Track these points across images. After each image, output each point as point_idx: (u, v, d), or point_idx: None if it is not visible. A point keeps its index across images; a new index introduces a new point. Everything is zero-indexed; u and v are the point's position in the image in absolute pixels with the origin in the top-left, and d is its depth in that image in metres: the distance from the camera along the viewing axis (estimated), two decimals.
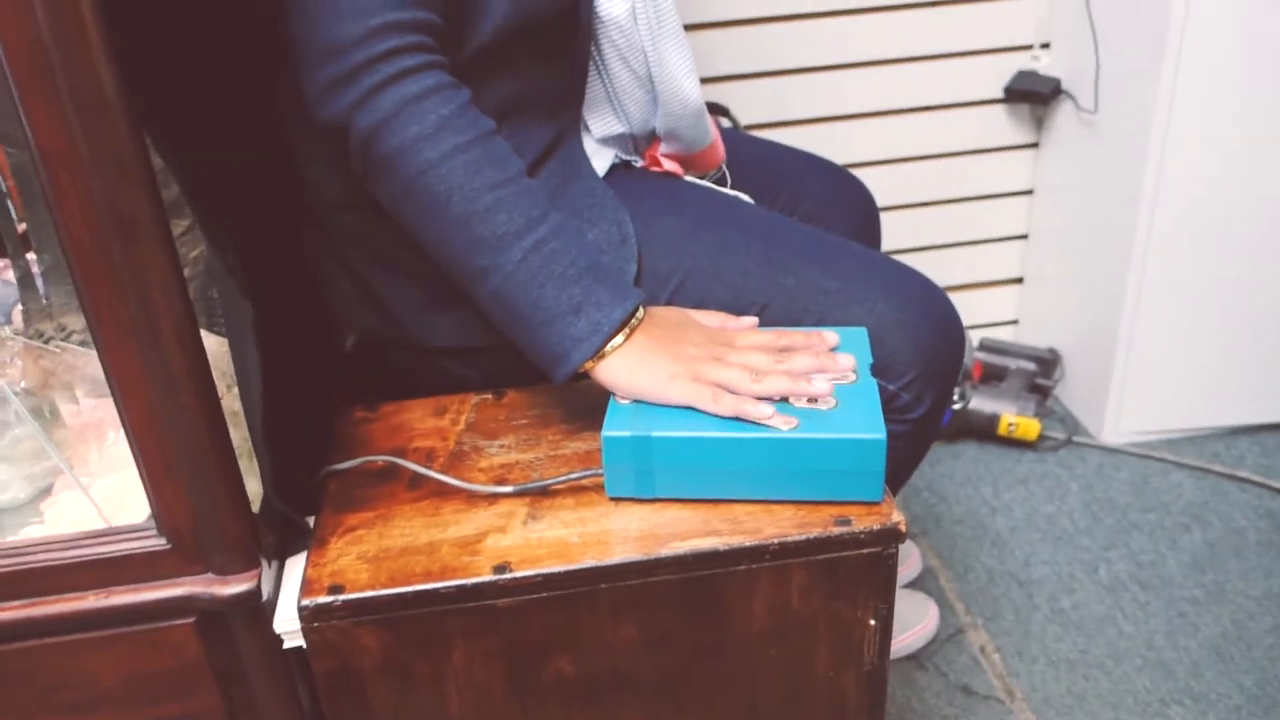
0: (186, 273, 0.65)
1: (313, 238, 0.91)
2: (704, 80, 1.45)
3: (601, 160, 0.96)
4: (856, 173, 1.22)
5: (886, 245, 1.27)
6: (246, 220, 0.77)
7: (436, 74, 0.75)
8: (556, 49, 0.90)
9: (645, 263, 0.89)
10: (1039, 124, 1.72)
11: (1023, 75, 1.66)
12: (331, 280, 0.91)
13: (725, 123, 1.48)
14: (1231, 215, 1.51)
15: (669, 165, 1.00)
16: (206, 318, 0.90)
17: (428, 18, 0.76)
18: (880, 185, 1.30)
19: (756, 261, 0.89)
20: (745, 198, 1.03)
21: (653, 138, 1.01)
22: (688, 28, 1.49)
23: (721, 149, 1.07)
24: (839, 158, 1.26)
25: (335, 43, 0.72)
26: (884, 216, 1.22)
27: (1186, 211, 1.50)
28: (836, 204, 1.15)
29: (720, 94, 1.54)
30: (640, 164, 1.00)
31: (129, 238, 0.61)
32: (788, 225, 0.96)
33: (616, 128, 0.97)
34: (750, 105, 1.57)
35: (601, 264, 0.78)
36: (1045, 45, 1.65)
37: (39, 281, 0.91)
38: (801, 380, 0.76)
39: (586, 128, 0.97)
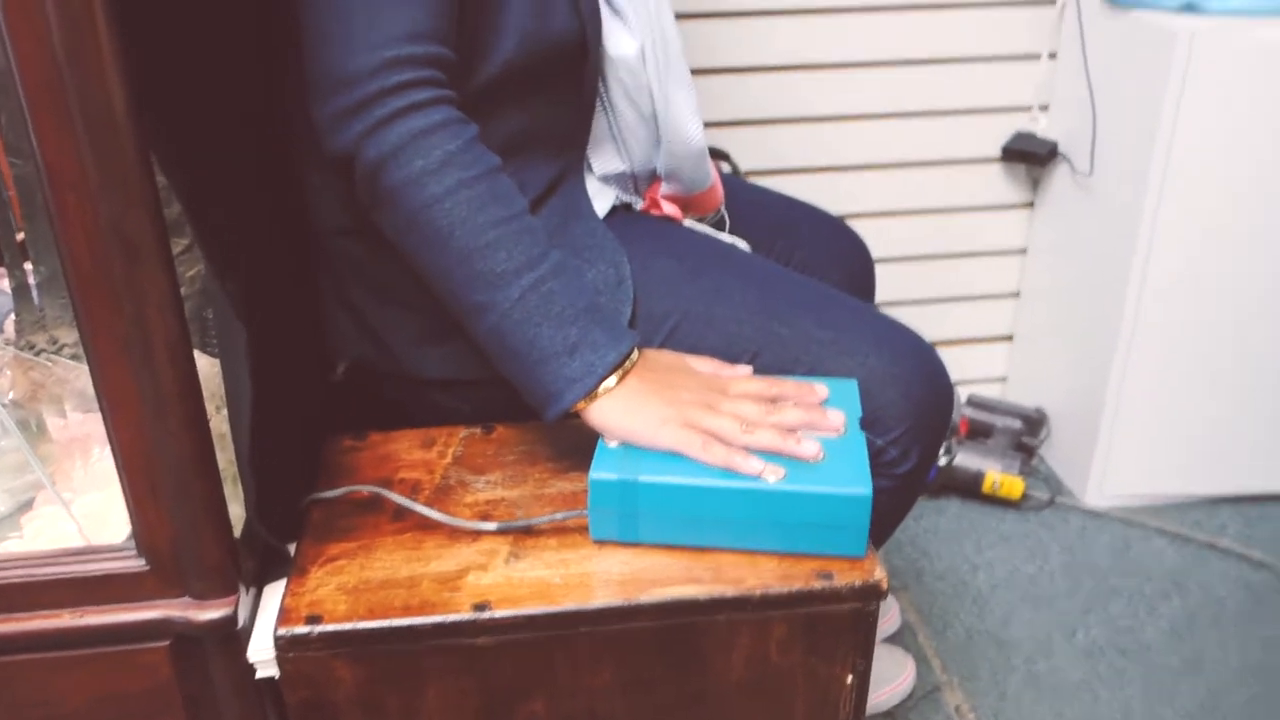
0: (183, 291, 0.65)
1: (314, 264, 0.91)
2: (706, 124, 1.46)
3: (603, 200, 0.97)
4: (853, 224, 1.23)
5: (880, 296, 1.28)
6: (249, 244, 0.77)
7: (445, 109, 0.76)
8: (564, 85, 0.91)
9: (641, 305, 0.89)
10: (1035, 184, 1.74)
11: (1021, 136, 1.68)
12: (328, 307, 0.91)
13: (725, 168, 1.49)
14: (1221, 285, 1.53)
15: (668, 208, 1.01)
16: (200, 337, 0.90)
17: (440, 52, 0.77)
18: (876, 237, 1.31)
19: (751, 309, 0.89)
20: (742, 243, 1.04)
21: (654, 177, 1.01)
22: (694, 72, 1.50)
23: (720, 192, 1.08)
24: (837, 208, 1.27)
25: (347, 74, 0.73)
26: (878, 268, 1.23)
27: (1177, 279, 1.52)
28: (832, 254, 1.15)
29: (722, 139, 1.56)
30: (640, 205, 1.01)
31: (131, 258, 0.61)
32: (783, 274, 0.96)
33: (619, 165, 0.98)
34: (751, 152, 1.59)
35: (598, 305, 0.79)
36: (1044, 107, 1.67)
37: (34, 293, 0.91)
38: (790, 439, 0.76)
39: (589, 165, 0.98)
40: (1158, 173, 1.45)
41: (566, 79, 0.90)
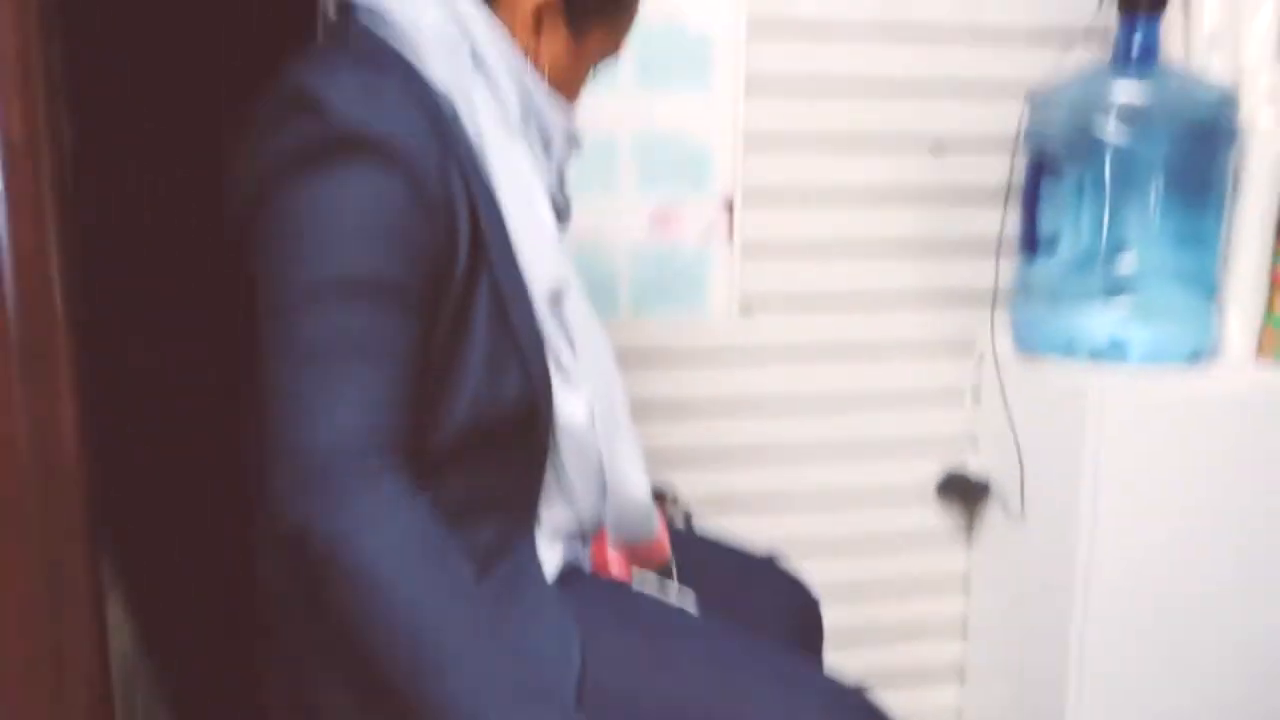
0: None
1: (260, 636, 0.89)
2: (652, 461, 1.50)
3: (551, 560, 0.97)
4: (798, 562, 1.24)
5: (828, 635, 1.27)
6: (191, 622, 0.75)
7: (396, 483, 0.77)
8: (515, 449, 0.94)
9: (590, 678, 0.87)
10: (970, 521, 1.78)
11: (954, 474, 1.74)
12: (268, 677, 0.88)
13: (672, 505, 1.51)
14: (1161, 612, 1.54)
15: (616, 568, 1.01)
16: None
17: (395, 425, 0.79)
18: (819, 574, 1.31)
19: (700, 681, 0.88)
20: (690, 598, 1.04)
21: (600, 528, 1.02)
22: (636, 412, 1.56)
23: (667, 543, 1.09)
24: (776, 542, 1.29)
25: (300, 453, 0.75)
26: (825, 606, 1.23)
27: (1117, 618, 1.53)
28: (779, 607, 1.16)
29: (662, 477, 1.59)
30: (589, 567, 1.01)
31: None
32: (732, 637, 0.96)
33: (567, 520, 0.99)
34: (694, 489, 1.62)
35: (544, 683, 0.77)
36: (974, 444, 1.75)
37: None
38: None
39: (538, 519, 0.99)
40: (1086, 515, 1.50)
41: (517, 442, 0.93)
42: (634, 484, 0.98)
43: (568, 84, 1.01)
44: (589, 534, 1.02)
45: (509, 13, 0.96)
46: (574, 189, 1.10)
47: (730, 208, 1.59)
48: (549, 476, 0.97)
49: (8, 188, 0.59)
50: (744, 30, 1.55)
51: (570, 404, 0.94)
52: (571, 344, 0.96)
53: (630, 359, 1.58)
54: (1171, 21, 1.54)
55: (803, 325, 1.66)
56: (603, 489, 0.98)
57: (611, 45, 1.05)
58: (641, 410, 1.58)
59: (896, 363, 1.71)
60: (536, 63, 0.97)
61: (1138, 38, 1.49)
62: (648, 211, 1.57)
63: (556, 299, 0.95)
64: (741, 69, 1.56)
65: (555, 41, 0.98)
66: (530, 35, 0.97)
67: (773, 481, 1.69)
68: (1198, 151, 1.49)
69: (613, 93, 1.48)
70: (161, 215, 0.79)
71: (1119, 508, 1.50)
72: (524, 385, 0.91)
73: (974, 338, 1.70)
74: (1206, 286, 1.53)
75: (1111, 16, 1.52)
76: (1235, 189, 1.53)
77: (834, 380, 1.68)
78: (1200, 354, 1.53)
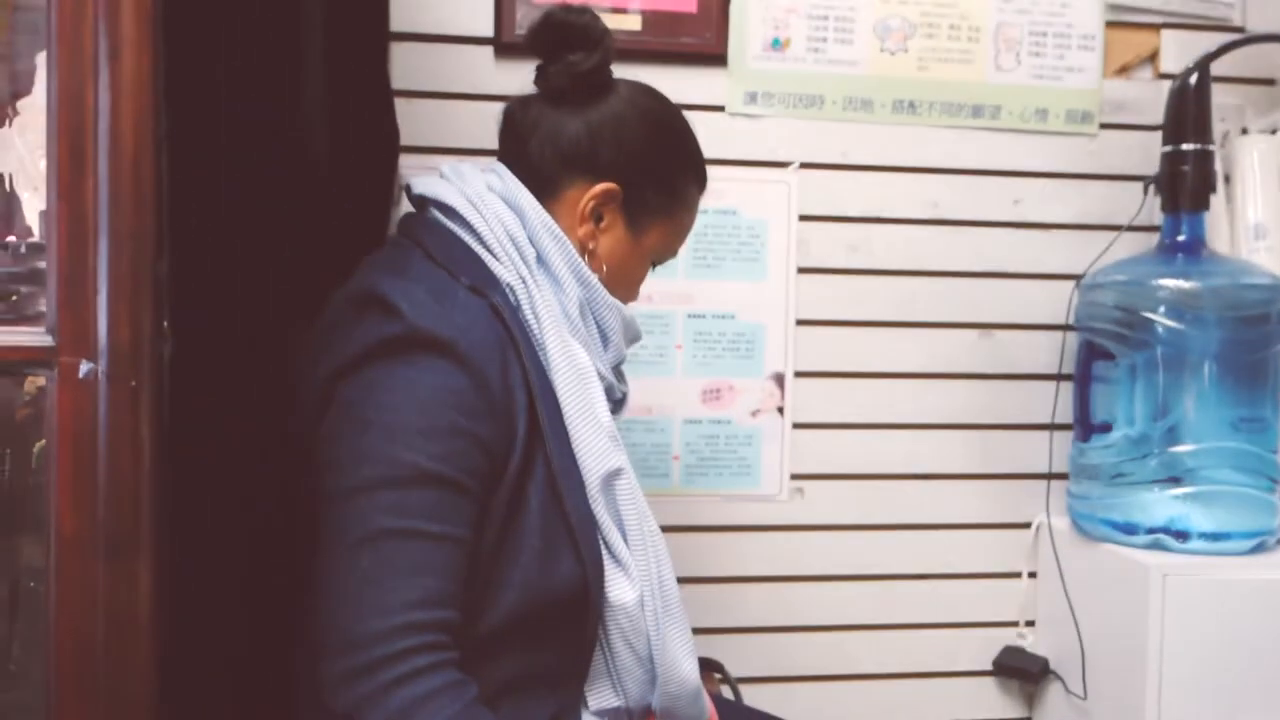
0: None
1: None
2: (700, 632, 1.51)
3: None
4: None
5: None
6: None
7: (447, 673, 0.79)
8: (565, 630, 0.95)
9: None
10: (1029, 700, 1.73)
11: (1010, 651, 1.70)
12: None
13: (721, 683, 1.50)
14: None
15: None
16: None
17: (448, 616, 0.82)
18: None
19: None
20: None
21: (649, 713, 1.03)
22: (685, 583, 1.57)
23: None
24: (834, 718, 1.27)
25: (356, 636, 0.78)
26: None
27: None
28: None
29: (715, 647, 1.58)
30: None
31: None
32: None
33: (614, 701, 1.00)
34: (744, 663, 1.61)
35: None
36: (1030, 623, 1.71)
37: None
38: None
39: (585, 702, 1.00)
40: (1152, 701, 1.45)
41: (567, 624, 0.95)
42: (683, 667, 0.99)
43: (625, 281, 1.07)
44: (636, 715, 1.03)
45: (569, 209, 1.03)
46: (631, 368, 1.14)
47: (781, 383, 1.63)
48: (597, 657, 0.99)
49: (110, 401, 0.65)
50: (795, 216, 1.63)
51: (620, 586, 0.96)
52: (623, 528, 0.99)
53: (684, 530, 1.60)
54: (1216, 213, 1.58)
55: (853, 500, 1.67)
56: (651, 671, 0.99)
57: (670, 244, 1.11)
58: (699, 580, 1.60)
59: (951, 539, 1.70)
60: (593, 261, 1.03)
61: (1184, 229, 1.53)
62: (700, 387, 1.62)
63: (609, 485, 0.98)
64: (793, 248, 1.62)
65: (613, 239, 1.05)
66: (589, 232, 1.03)
67: (825, 657, 1.67)
68: (1248, 339, 1.50)
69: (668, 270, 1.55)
70: (242, 411, 0.86)
71: (1182, 698, 1.45)
72: (576, 569, 0.94)
73: (1030, 517, 1.69)
74: (1267, 473, 1.52)
75: (1155, 212, 1.57)
76: None
77: (885, 555, 1.68)
78: (1263, 542, 1.50)
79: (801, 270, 1.64)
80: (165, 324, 0.72)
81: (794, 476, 1.65)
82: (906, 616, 1.69)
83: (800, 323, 1.64)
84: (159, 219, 0.69)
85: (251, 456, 0.89)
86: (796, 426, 1.64)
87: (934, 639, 1.70)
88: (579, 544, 0.93)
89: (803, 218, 1.63)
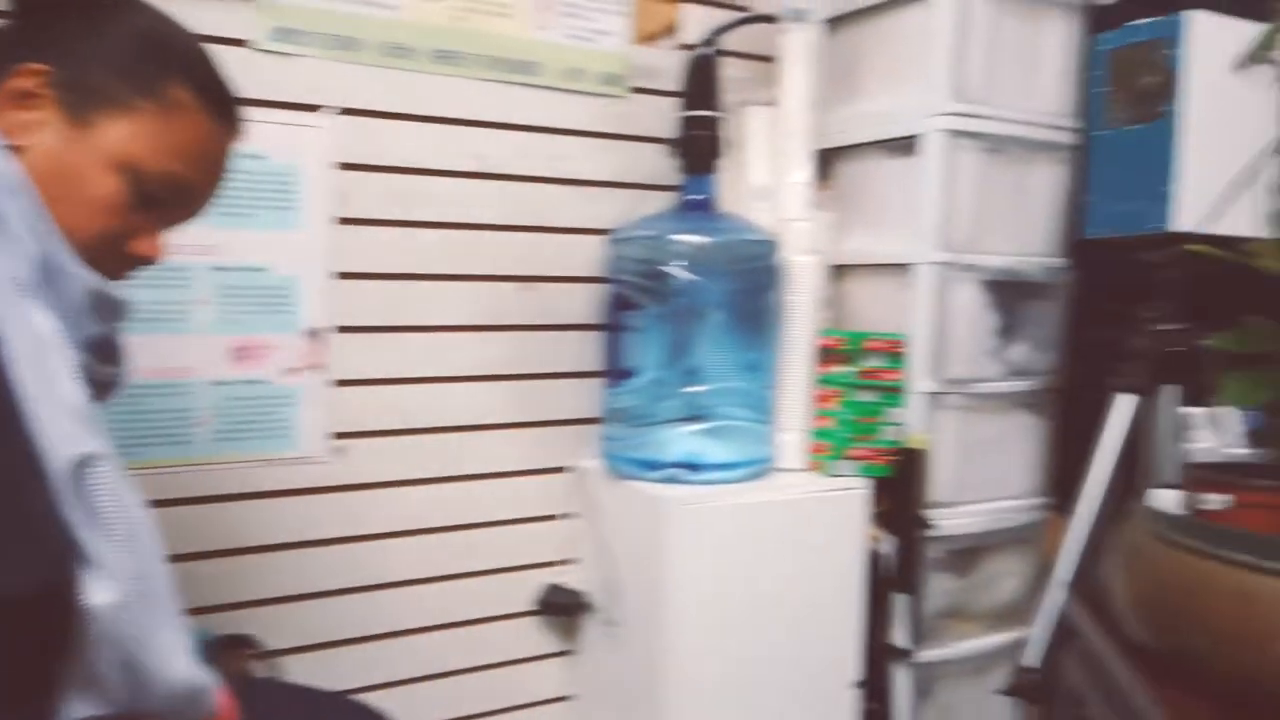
0: None
1: None
2: (231, 608, 1.42)
3: None
4: (389, 693, 1.21)
5: None
6: None
7: None
8: (22, 640, 0.85)
9: None
10: (572, 635, 1.83)
11: (551, 589, 1.79)
12: None
13: (253, 658, 1.43)
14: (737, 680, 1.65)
15: None
16: None
17: None
18: (426, 701, 1.30)
19: None
20: None
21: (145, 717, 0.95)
22: (212, 553, 1.47)
23: (232, 711, 1.03)
24: (371, 678, 1.25)
25: None
26: None
27: (707, 689, 1.63)
28: None
29: (248, 622, 1.51)
30: None
31: None
32: None
33: (92, 712, 0.91)
34: (276, 630, 1.55)
35: None
36: (570, 563, 1.81)
37: None
38: None
39: (58, 715, 0.90)
40: (672, 621, 1.59)
41: (26, 632, 0.84)
42: (173, 667, 0.91)
43: (75, 198, 0.93)
44: None
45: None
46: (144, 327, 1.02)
47: (320, 338, 1.57)
48: (71, 668, 0.89)
49: None
50: (333, 163, 1.55)
51: (92, 588, 0.87)
52: (99, 522, 0.89)
53: (212, 501, 1.50)
54: (727, 177, 1.73)
55: (398, 456, 1.66)
56: (138, 677, 0.90)
57: (155, 156, 0.96)
58: (230, 552, 1.51)
59: (493, 488, 1.74)
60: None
61: (698, 188, 1.67)
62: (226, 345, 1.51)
63: (80, 474, 0.87)
64: (331, 197, 1.56)
65: (51, 135, 0.92)
66: (12, 124, 0.90)
67: (366, 618, 1.65)
68: (750, 289, 1.68)
69: None
70: None
71: (696, 609, 1.61)
72: (31, 570, 0.83)
73: (571, 462, 1.78)
74: (764, 408, 1.71)
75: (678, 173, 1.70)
76: (782, 322, 1.73)
77: (428, 509, 1.69)
78: (761, 469, 1.70)
79: (344, 221, 1.57)
80: None
81: (337, 435, 1.60)
82: (448, 568, 1.71)
83: (343, 275, 1.58)
84: None
85: None
86: (340, 383, 1.59)
87: (477, 587, 1.74)
88: (35, 542, 0.82)
89: (345, 166, 1.56)
